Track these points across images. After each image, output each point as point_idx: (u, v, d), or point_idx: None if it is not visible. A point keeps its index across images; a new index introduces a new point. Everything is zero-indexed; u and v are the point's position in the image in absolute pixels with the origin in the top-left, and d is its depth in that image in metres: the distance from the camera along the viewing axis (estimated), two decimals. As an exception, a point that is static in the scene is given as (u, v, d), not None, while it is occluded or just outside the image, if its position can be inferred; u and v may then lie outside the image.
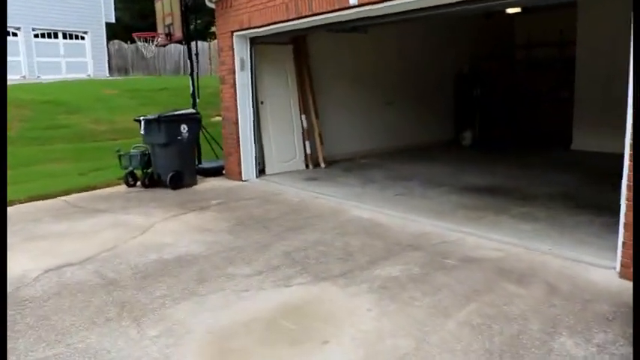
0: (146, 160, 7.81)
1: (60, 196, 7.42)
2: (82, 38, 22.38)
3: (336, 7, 6.07)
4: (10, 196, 6.83)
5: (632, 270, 3.82)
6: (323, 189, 7.54)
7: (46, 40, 21.44)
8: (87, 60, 22.45)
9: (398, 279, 4.13)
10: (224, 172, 8.74)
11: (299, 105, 9.14)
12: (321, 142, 9.38)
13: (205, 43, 21.03)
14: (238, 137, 8.27)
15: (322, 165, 9.36)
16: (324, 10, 6.23)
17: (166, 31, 8.55)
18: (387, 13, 5.98)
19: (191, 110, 8.15)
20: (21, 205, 6.99)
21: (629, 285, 3.84)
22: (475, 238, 5.12)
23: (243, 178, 8.34)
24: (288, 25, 6.97)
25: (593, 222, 5.50)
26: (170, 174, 7.61)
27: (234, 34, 7.88)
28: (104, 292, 4.03)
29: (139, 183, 7.97)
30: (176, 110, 8.02)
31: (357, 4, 5.77)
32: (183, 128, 7.70)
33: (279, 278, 4.23)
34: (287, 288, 4.05)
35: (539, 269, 4.28)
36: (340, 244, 5.05)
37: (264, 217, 6.12)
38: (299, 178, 8.44)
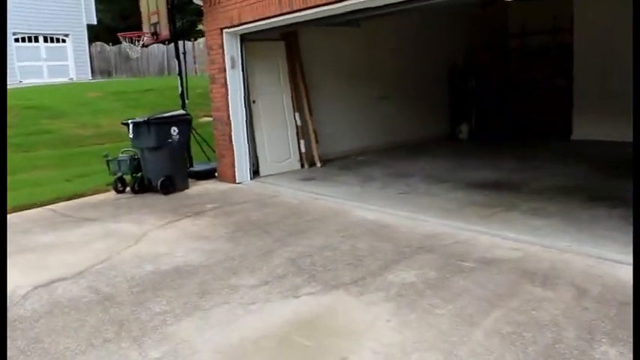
0: (135, 165, 7.47)
1: (47, 204, 7.07)
2: (64, 41, 21.84)
3: (332, 0, 5.80)
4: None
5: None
6: (322, 189, 7.26)
7: (27, 44, 20.89)
8: (69, 63, 21.92)
9: (414, 285, 3.87)
10: (217, 174, 8.43)
11: (292, 103, 8.85)
12: (316, 141, 9.09)
13: (189, 43, 20.62)
14: (231, 138, 7.96)
15: (318, 164, 9.07)
16: (319, 3, 5.95)
17: (152, 30, 8.20)
18: (384, 3, 5.71)
19: (181, 112, 7.83)
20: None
21: (662, 284, 3.61)
22: (489, 237, 4.87)
23: (237, 181, 8.03)
24: (281, 20, 6.67)
25: (611, 215, 5.28)
26: (161, 179, 7.29)
27: (224, 31, 7.56)
28: (100, 310, 3.72)
29: (128, 189, 7.63)
30: (165, 112, 7.68)
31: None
32: (174, 130, 7.37)
33: (287, 288, 3.95)
34: (296, 299, 3.76)
35: (563, 269, 4.04)
36: (347, 248, 4.77)
37: (264, 222, 5.83)
38: (295, 179, 8.15)
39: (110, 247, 5.15)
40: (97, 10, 22.83)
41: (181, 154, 7.66)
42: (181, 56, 8.34)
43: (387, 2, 5.62)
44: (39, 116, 12.37)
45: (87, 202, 7.21)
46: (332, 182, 7.75)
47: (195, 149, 8.84)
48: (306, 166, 8.98)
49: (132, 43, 8.44)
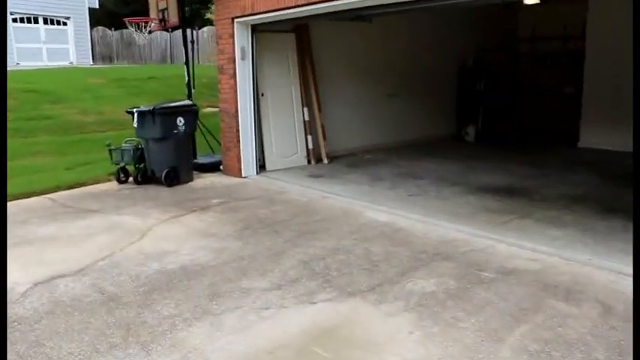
0: (139, 155, 7.28)
1: (46, 193, 6.86)
2: (64, 24, 21.48)
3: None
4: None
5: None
6: (330, 187, 7.09)
7: (26, 25, 20.50)
8: (69, 47, 21.57)
9: (435, 295, 3.72)
10: (221, 167, 8.24)
11: (301, 97, 8.66)
12: (324, 137, 8.92)
13: (193, 31, 20.36)
14: (238, 131, 7.77)
15: (325, 161, 8.90)
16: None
17: (160, 17, 7.97)
18: (402, 0, 5.54)
19: (188, 102, 7.63)
20: (4, 203, 6.43)
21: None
22: (505, 245, 4.73)
23: (243, 175, 7.85)
24: (296, 12, 6.47)
25: (627, 228, 5.13)
26: (165, 170, 7.10)
27: (235, 20, 7.36)
28: (105, 311, 3.55)
29: (130, 179, 7.44)
30: (171, 101, 7.49)
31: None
32: (180, 121, 7.18)
33: (301, 293, 3.79)
34: (312, 305, 3.61)
35: (585, 284, 3.90)
36: (361, 252, 4.62)
37: (273, 220, 5.66)
38: (302, 175, 7.98)
39: (113, 242, 4.97)
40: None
41: (187, 145, 7.47)
42: (189, 44, 8.11)
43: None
44: (39, 101, 12.12)
45: (88, 192, 7.01)
46: (340, 180, 7.59)
47: (199, 140, 8.64)
48: (313, 162, 8.81)
49: (139, 29, 8.20)
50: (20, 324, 3.40)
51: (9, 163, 8.08)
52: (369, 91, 9.88)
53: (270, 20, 7.11)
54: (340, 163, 8.82)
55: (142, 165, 7.31)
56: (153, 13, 8.19)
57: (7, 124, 9.85)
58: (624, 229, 5.11)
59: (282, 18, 6.87)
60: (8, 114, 10.63)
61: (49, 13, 20.88)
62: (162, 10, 7.90)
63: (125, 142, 7.37)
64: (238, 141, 7.80)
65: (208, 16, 13.79)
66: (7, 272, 4.18)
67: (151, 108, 6.90)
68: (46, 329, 3.32)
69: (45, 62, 20.17)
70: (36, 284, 4.01)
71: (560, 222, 5.40)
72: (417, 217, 5.63)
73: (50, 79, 14.46)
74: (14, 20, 20.00)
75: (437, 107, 11.19)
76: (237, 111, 7.71)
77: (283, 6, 6.41)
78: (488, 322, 3.34)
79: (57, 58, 20.67)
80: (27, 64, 18.77)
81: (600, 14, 9.48)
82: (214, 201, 6.48)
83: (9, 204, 6.36)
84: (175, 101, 7.45)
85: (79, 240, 5.07)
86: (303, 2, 6.13)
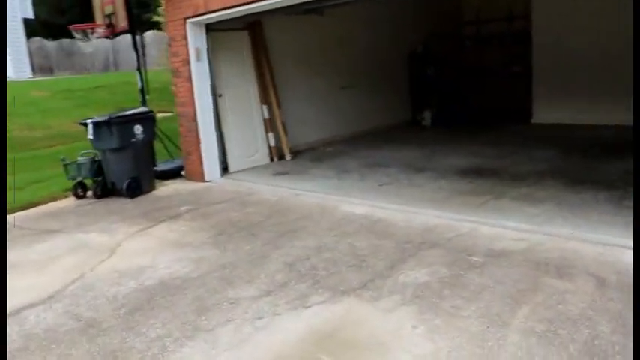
0: (97, 168, 6.91)
1: (-1, 217, 6.42)
2: (-3, 37, 20.37)
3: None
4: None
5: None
6: (298, 184, 6.94)
7: (-44, 40, 19.35)
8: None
9: (429, 285, 3.63)
10: (183, 173, 7.95)
11: (259, 95, 8.45)
12: (285, 133, 8.73)
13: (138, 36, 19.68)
14: (198, 134, 7.50)
15: (287, 157, 8.72)
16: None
17: (107, 22, 7.57)
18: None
19: (144, 108, 7.29)
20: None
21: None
22: (488, 227, 4.71)
23: (207, 179, 7.59)
24: (253, 7, 6.24)
25: (598, 199, 5.24)
26: (126, 181, 6.77)
27: (188, 20, 7.06)
28: (86, 340, 3.29)
29: (89, 194, 7.06)
30: (126, 109, 7.15)
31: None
32: (138, 129, 6.86)
33: (293, 297, 3.63)
34: (306, 309, 3.46)
35: (574, 258, 3.91)
36: (345, 248, 4.49)
37: (247, 223, 5.47)
38: (268, 174, 7.79)
39: (82, 262, 4.67)
40: (33, 4, 21.40)
41: (146, 154, 7.14)
42: (140, 49, 7.76)
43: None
44: (-22, 119, 11.39)
45: (45, 211, 6.61)
46: (307, 176, 7.44)
47: (157, 147, 8.28)
48: (275, 159, 8.62)
49: (85, 36, 7.77)
50: (-8, 364, 3.10)
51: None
52: (325, 84, 9.75)
53: (225, 18, 6.85)
54: (303, 159, 8.68)
55: (100, 178, 6.94)
56: (99, 19, 7.77)
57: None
58: (595, 200, 5.22)
59: (238, 15, 6.63)
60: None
61: (-21, 26, 19.73)
62: (109, 15, 7.51)
63: (81, 156, 6.98)
64: (199, 145, 7.54)
65: (156, 18, 13.28)
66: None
67: (107, 118, 6.55)
68: (23, 367, 3.05)
69: (-20, 78, 19.05)
70: (3, 318, 3.70)
71: (534, 199, 5.44)
72: (394, 207, 5.56)
73: (-12, 95, 13.63)
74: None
75: (392, 95, 11.19)
76: (195, 114, 7.44)
77: (240, 2, 6.18)
78: (489, 307, 3.28)
79: (-8, 73, 19.54)
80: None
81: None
82: (182, 209, 6.22)
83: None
84: (131, 109, 7.11)
85: (44, 264, 4.74)
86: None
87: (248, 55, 8.24)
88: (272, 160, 8.62)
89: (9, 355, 3.17)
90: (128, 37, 8.21)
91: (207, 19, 6.90)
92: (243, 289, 3.83)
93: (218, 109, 7.81)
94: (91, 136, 6.67)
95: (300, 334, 3.15)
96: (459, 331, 3.03)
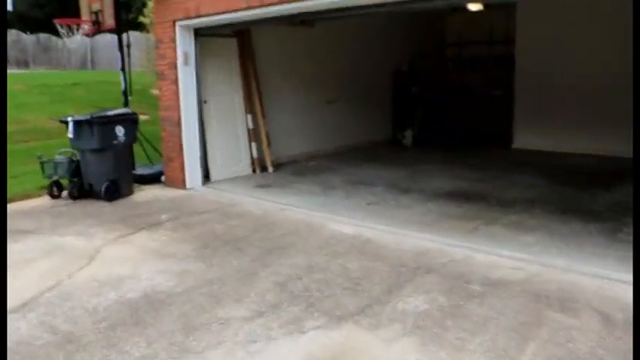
0: (74, 168, 6.60)
1: (-36, 214, 6.04)
2: (-31, 26, 19.63)
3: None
4: None
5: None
6: (282, 198, 6.75)
7: None
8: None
9: (430, 314, 3.50)
10: (163, 179, 7.68)
11: (244, 104, 8.26)
12: (268, 144, 8.55)
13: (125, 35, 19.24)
14: (181, 140, 7.26)
15: (270, 169, 8.53)
16: None
17: (93, 19, 7.28)
18: (365, 4, 5.34)
19: (126, 110, 7.03)
20: None
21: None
22: (483, 255, 4.61)
23: (188, 186, 7.34)
24: (244, 15, 6.10)
25: (589, 230, 5.22)
26: (105, 183, 6.48)
27: (177, 23, 6.85)
28: (63, 356, 3.03)
29: (64, 194, 6.74)
30: (107, 110, 6.87)
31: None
32: (120, 131, 6.59)
33: (286, 321, 3.44)
34: (302, 335, 3.27)
35: (575, 292, 3.83)
36: (337, 269, 4.33)
37: (232, 236, 5.25)
38: (250, 185, 7.58)
39: (59, 268, 4.38)
40: (8, -6, 20.71)
41: (127, 156, 6.88)
42: (125, 49, 7.49)
43: (367, 3, 5.24)
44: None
45: (18, 209, 6.24)
46: (291, 190, 7.26)
47: (136, 150, 7.99)
48: (258, 171, 8.43)
49: (70, 31, 7.47)
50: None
51: None
52: (310, 97, 9.64)
53: (216, 24, 6.70)
54: (286, 172, 8.50)
55: (77, 178, 6.63)
56: (85, 15, 7.48)
57: None
58: (587, 231, 5.19)
59: (229, 21, 6.49)
60: None
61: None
62: (96, 12, 7.23)
63: (59, 154, 6.65)
64: (181, 151, 7.30)
65: (141, 19, 12.97)
66: None
67: (89, 117, 6.27)
68: (-7, 386, 2.77)
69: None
70: (-30, 327, 3.40)
71: (525, 227, 5.38)
72: (384, 228, 5.43)
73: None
74: None
75: (375, 112, 11.17)
76: (179, 119, 7.21)
77: (233, 8, 6.01)
78: (494, 341, 3.16)
79: (-35, 65, 18.76)
80: None
81: (529, 20, 9.77)
82: (163, 216, 5.96)
83: None
84: (112, 110, 6.84)
85: (17, 267, 4.43)
86: (257, 4, 5.77)
87: (235, 63, 8.06)
88: (254, 171, 8.42)
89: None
90: (107, 35, 7.96)
91: (198, 23, 6.70)
92: (232, 309, 3.62)
93: (202, 115, 7.59)
94: (71, 135, 6.37)
95: (298, 362, 2.96)
96: (466, 367, 2.89)
